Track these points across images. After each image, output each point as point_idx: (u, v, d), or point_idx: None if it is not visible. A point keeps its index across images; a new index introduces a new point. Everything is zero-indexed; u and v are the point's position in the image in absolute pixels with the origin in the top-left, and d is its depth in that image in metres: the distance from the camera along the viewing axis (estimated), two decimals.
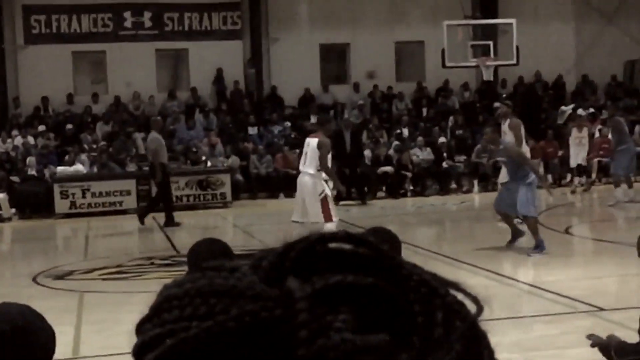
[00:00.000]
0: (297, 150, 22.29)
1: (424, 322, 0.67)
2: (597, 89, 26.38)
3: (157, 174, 16.20)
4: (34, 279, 10.96)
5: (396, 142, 22.11)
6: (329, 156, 10.47)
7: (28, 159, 20.55)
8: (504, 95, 24.96)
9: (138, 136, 22.44)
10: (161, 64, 25.35)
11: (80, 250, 14.36)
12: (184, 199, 19.67)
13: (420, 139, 22.09)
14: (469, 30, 22.40)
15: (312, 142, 10.36)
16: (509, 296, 9.56)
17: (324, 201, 10.21)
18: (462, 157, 22.13)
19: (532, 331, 7.87)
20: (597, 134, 21.10)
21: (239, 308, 0.65)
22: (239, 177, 21.02)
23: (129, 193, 19.53)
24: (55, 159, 20.80)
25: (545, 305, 8.54)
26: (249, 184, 21.22)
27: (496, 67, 22.49)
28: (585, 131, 19.86)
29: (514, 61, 21.51)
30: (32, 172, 20.33)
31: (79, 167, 20.27)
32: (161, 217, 16.44)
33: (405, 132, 23.18)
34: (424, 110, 25.02)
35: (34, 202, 19.34)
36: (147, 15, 24.60)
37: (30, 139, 21.76)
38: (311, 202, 10.20)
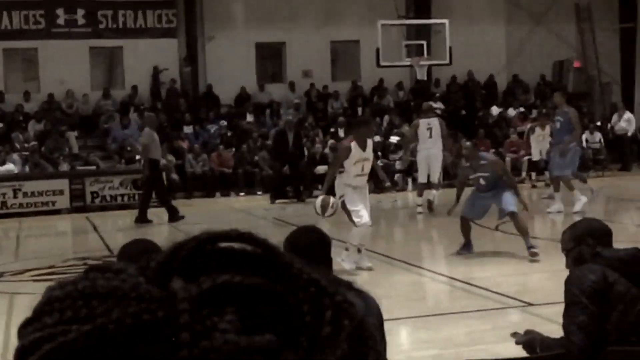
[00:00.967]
0: (233, 149, 22.30)
1: (312, 322, 0.67)
2: (527, 89, 26.91)
3: (144, 170, 16.15)
4: None
5: (332, 141, 22.24)
6: (337, 161, 10.41)
7: None
8: (437, 95, 25.40)
9: (71, 135, 22.15)
10: (95, 62, 25.05)
11: (11, 251, 14.13)
12: (119, 198, 19.48)
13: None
14: (403, 30, 22.65)
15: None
16: (441, 293, 9.73)
17: (343, 205, 10.19)
18: (397, 156, 22.37)
19: (463, 327, 8.01)
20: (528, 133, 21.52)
21: (121, 310, 0.63)
22: (175, 176, 20.91)
23: (61, 193, 19.25)
24: None
25: (476, 301, 8.67)
26: (184, 183, 21.12)
27: (430, 67, 22.78)
28: (547, 129, 20.21)
29: (447, 61, 21.82)
30: None
31: (10, 167, 19.92)
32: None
33: (341, 131, 23.32)
34: (359, 109, 25.20)
35: None
36: (81, 12, 24.26)
37: None
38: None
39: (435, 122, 16.25)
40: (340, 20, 25.84)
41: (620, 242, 4.77)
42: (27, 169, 20.20)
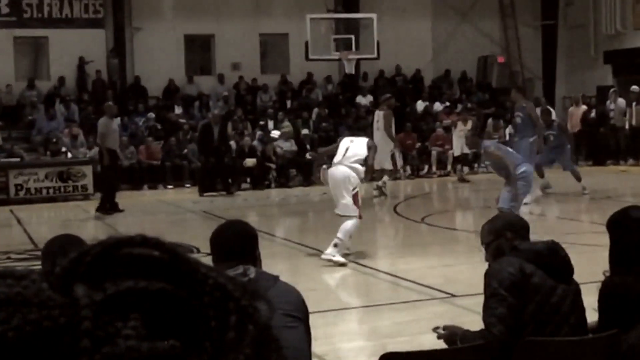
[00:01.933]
0: (162, 142, 22.15)
1: (217, 326, 0.67)
2: (452, 84, 27.34)
3: (104, 158, 16.02)
4: None
5: (260, 133, 22.29)
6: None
7: None
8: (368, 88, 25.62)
9: None
10: (20, 52, 24.56)
11: None
12: (44, 191, 19.18)
13: (285, 130, 22.29)
14: (332, 24, 22.79)
15: (358, 140, 10.76)
16: (366, 285, 9.87)
17: (355, 196, 10.46)
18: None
19: (387, 318, 8.15)
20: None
21: (22, 317, 0.62)
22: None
23: None
24: None
25: (401, 293, 8.80)
26: None
27: (358, 61, 22.97)
28: (469, 124, 20.57)
29: (374, 55, 22.04)
30: None
31: None
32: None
33: (270, 124, 23.39)
34: (288, 102, 25.28)
35: None
36: (4, 1, 23.77)
37: None
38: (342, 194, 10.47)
39: (380, 114, 17.64)
40: (269, 13, 25.86)
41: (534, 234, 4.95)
42: None
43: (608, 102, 23.85)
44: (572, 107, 24.44)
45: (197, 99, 24.85)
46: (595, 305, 4.21)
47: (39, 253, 10.96)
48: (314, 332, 3.71)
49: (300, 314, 3.55)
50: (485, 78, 27.95)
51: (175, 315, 0.66)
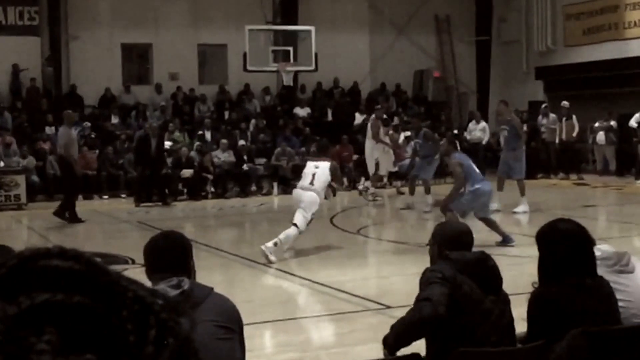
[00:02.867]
0: (97, 151, 21.89)
1: (135, 341, 0.66)
2: (389, 96, 27.62)
3: (75, 167, 16.04)
4: None
5: (197, 144, 22.20)
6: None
7: None
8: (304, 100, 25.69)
9: None
10: None
11: None
12: None
13: (223, 141, 22.27)
14: (270, 35, 22.84)
15: (322, 165, 11.66)
16: (302, 296, 9.92)
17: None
18: (263, 160, 22.55)
19: (323, 329, 8.21)
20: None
21: None
22: (35, 178, 20.37)
23: None
24: None
25: (337, 304, 8.84)
26: (45, 185, 20.58)
27: (296, 73, 23.04)
28: (402, 137, 20.85)
29: (312, 67, 22.15)
30: None
31: None
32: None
33: (208, 134, 23.31)
34: (226, 113, 25.23)
35: None
36: None
37: None
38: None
39: (369, 124, 19.68)
40: (208, 23, 25.80)
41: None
42: None
43: (540, 117, 24.36)
44: None
45: (134, 109, 24.65)
46: (524, 316, 4.27)
47: None
48: (248, 344, 3.74)
49: (234, 326, 3.57)
50: (422, 91, 28.31)
51: (92, 329, 0.65)
